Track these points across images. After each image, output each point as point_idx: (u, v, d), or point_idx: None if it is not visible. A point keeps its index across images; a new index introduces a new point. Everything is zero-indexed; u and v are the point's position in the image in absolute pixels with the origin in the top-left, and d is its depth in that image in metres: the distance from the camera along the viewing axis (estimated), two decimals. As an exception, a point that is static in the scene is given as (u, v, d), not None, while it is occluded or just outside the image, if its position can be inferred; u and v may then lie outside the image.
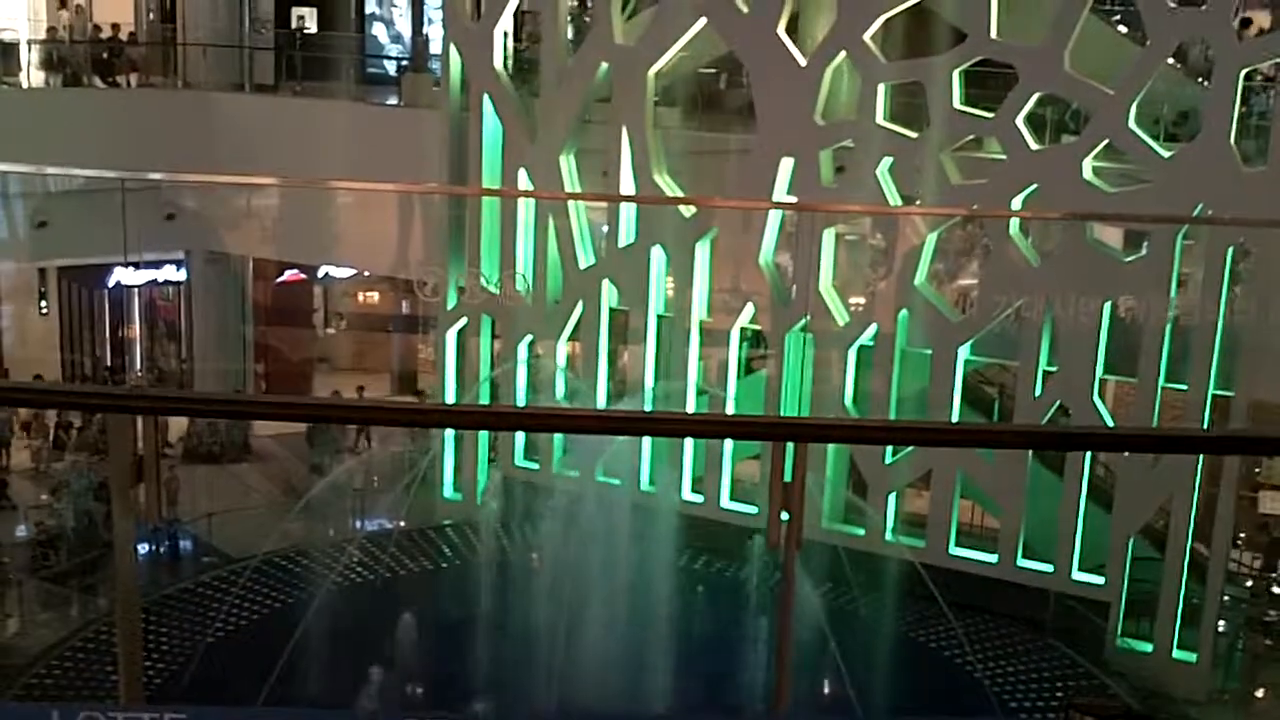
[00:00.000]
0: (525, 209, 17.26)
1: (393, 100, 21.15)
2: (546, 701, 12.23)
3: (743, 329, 16.54)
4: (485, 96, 17.03)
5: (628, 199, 16.43)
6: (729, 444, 16.30)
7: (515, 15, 17.35)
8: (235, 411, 7.94)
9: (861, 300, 16.22)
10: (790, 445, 3.56)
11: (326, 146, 18.61)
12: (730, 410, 16.40)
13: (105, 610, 14.84)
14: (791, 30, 15.54)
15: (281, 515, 17.16)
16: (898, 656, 13.90)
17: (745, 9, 15.46)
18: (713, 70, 18.63)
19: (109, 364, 22.96)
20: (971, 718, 12.70)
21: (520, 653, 13.12)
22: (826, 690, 13.18)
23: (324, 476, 18.33)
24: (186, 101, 20.06)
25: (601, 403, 16.94)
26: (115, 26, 21.02)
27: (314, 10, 22.69)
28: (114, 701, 2.86)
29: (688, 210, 16.30)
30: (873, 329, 15.69)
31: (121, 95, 20.59)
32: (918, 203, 15.48)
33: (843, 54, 15.22)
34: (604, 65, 16.40)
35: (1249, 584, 16.18)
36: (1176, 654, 14.60)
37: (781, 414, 14.79)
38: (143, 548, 16.06)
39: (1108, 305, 14.52)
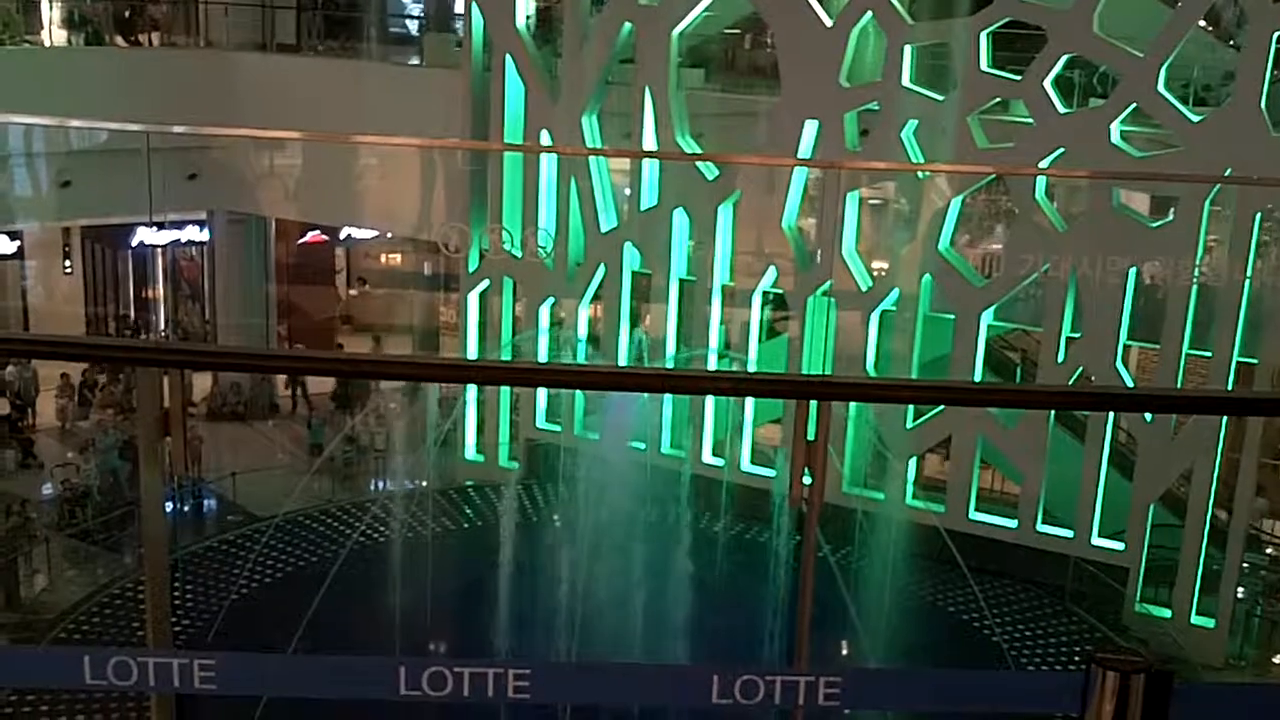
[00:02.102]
0: (548, 171, 17.21)
1: (414, 60, 21.04)
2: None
3: (765, 292, 16.49)
4: (507, 57, 16.93)
5: (651, 155, 16.33)
6: (750, 406, 16.29)
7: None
8: (260, 365, 7.98)
9: (885, 264, 16.13)
10: (814, 405, 3.54)
11: (348, 107, 18.57)
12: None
13: (131, 567, 15.03)
14: (817, -10, 15.38)
15: (304, 473, 17.32)
16: (915, 619, 13.93)
17: (770, -32, 15.31)
18: (737, 31, 18.44)
19: (132, 323, 23.11)
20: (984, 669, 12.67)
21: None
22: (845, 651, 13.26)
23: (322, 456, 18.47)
24: (208, 61, 20.01)
25: (623, 364, 16.94)
26: (137, -15, 20.99)
27: (336, -31, 22.56)
28: (145, 648, 2.91)
29: (710, 173, 16.21)
30: (895, 293, 15.62)
31: (143, 54, 20.56)
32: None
33: (869, 15, 15.05)
34: (627, 25, 16.27)
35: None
36: (1195, 619, 14.62)
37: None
38: (168, 506, 16.20)
39: (1133, 271, 14.40)
